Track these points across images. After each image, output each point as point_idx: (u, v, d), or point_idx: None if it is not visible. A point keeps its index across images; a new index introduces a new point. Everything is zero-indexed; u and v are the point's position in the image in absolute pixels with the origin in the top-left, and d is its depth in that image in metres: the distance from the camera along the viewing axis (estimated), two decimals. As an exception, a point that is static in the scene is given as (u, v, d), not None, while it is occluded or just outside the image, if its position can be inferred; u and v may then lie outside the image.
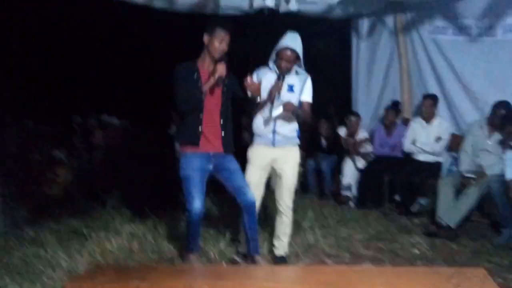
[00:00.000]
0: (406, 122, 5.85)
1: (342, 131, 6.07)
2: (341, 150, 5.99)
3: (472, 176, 4.66)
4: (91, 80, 9.27)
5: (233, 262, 3.81)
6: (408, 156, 5.58)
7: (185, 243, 3.64)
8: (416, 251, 4.19)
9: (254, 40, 7.96)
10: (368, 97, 6.41)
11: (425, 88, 5.87)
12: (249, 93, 3.46)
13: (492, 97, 5.01)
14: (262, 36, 6.88)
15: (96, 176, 6.88)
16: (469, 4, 5.43)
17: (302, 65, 3.73)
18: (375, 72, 6.35)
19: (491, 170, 4.63)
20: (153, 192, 5.43)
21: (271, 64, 3.71)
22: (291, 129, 3.72)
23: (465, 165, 4.84)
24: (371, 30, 6.36)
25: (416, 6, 5.86)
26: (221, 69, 3.33)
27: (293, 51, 3.59)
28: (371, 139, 5.95)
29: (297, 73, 3.71)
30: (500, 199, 4.40)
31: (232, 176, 3.53)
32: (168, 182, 5.66)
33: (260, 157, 3.72)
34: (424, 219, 5.01)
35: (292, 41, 3.62)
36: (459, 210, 4.51)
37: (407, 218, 5.10)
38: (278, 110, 3.53)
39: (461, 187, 4.69)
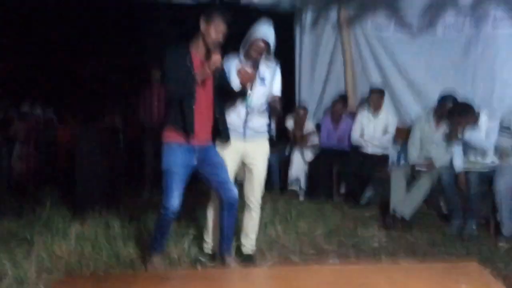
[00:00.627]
0: (352, 114, 5.92)
1: (289, 124, 6.02)
2: (288, 142, 5.95)
3: (422, 168, 4.80)
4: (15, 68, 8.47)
5: (199, 263, 3.61)
6: (355, 148, 5.65)
7: (150, 244, 3.41)
8: (376, 244, 4.23)
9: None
10: (311, 89, 6.42)
11: (368, 81, 5.98)
12: (237, 84, 3.28)
13: (434, 91, 5.20)
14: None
15: (22, 172, 6.31)
16: (410, 2, 5.61)
17: (272, 55, 3.59)
18: (318, 65, 6.37)
19: (440, 162, 4.79)
20: (96, 189, 5.03)
21: (241, 54, 3.53)
22: (262, 123, 3.59)
23: (414, 157, 4.99)
24: (314, 23, 6.37)
25: (359, 1, 5.95)
26: (218, 60, 3.11)
27: (266, 42, 3.45)
28: (317, 131, 5.96)
29: (266, 64, 3.58)
30: (450, 191, 4.57)
31: (216, 170, 3.34)
32: (114, 178, 5.33)
33: (231, 151, 3.54)
34: (373, 211, 5.11)
35: (266, 32, 3.46)
36: (412, 201, 4.61)
37: (357, 210, 5.17)
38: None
39: (411, 179, 4.83)
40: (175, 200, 3.17)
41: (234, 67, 3.46)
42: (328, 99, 6.27)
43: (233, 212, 3.38)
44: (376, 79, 5.90)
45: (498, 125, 4.55)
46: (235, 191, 3.36)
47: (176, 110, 3.18)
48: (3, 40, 8.31)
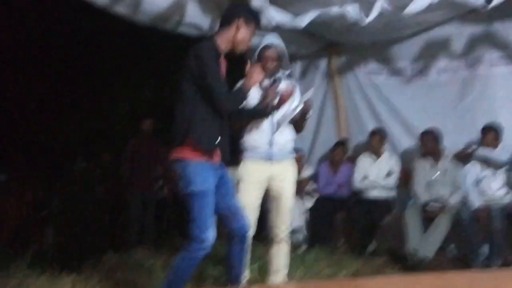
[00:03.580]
0: (349, 160, 5.68)
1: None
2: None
3: (436, 206, 4.54)
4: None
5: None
6: (358, 194, 5.34)
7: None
8: None
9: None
10: (301, 137, 6.13)
11: (363, 127, 5.82)
12: (251, 82, 2.85)
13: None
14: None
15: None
16: (403, 47, 5.62)
17: (288, 66, 3.35)
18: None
19: (453, 199, 4.58)
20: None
21: None
22: (289, 139, 3.26)
23: (423, 197, 4.74)
24: (304, 72, 6.28)
25: (350, 49, 5.93)
26: (259, 73, 2.81)
27: (275, 47, 3.21)
28: (314, 178, 5.65)
29: (285, 76, 3.32)
30: (470, 228, 4.31)
31: (229, 194, 2.84)
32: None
33: (255, 174, 3.16)
34: (382, 259, 4.71)
35: (272, 39, 3.26)
36: (434, 240, 4.33)
37: (367, 258, 4.76)
38: (293, 108, 3.06)
39: (425, 218, 4.55)
40: (211, 229, 2.64)
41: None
42: (320, 147, 6.06)
43: (246, 245, 2.88)
44: (371, 125, 5.74)
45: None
46: (247, 219, 2.89)
47: (203, 122, 2.69)
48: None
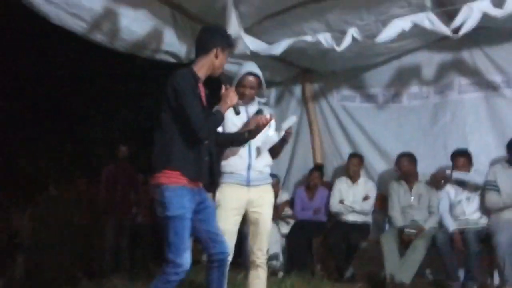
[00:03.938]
0: (325, 185, 5.72)
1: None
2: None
3: (412, 231, 4.59)
4: None
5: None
6: (334, 219, 5.37)
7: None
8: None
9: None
10: (276, 162, 6.15)
11: (338, 151, 5.91)
12: (226, 106, 2.85)
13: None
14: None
15: None
16: (375, 74, 5.75)
17: (265, 94, 3.40)
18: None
19: (428, 224, 4.65)
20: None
21: None
22: (266, 163, 3.28)
23: (399, 222, 4.81)
24: (279, 98, 6.36)
25: (324, 75, 6.03)
26: (234, 96, 2.83)
27: (256, 76, 3.26)
28: (291, 203, 5.67)
29: (261, 104, 3.37)
30: (446, 251, 4.36)
31: (210, 218, 2.84)
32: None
33: (233, 200, 3.16)
34: (361, 283, 4.72)
35: (252, 67, 3.31)
36: (411, 265, 4.35)
37: (345, 283, 4.77)
38: (273, 136, 3.09)
39: (402, 243, 4.59)
40: (188, 254, 2.63)
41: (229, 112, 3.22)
42: (296, 172, 6.12)
43: (225, 270, 2.88)
44: (346, 150, 5.82)
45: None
46: (227, 244, 2.89)
47: (182, 149, 2.69)
48: None
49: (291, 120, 3.29)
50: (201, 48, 2.86)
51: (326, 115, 6.08)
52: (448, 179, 4.69)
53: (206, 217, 2.81)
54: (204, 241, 2.82)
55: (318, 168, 5.75)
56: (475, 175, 4.62)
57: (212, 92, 2.95)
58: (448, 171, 4.68)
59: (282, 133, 3.20)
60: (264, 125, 3.04)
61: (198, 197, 2.77)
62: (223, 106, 2.81)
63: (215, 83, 2.95)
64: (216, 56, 2.80)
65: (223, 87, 2.87)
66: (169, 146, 2.68)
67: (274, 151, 3.31)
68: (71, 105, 8.69)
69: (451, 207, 4.65)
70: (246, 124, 3.16)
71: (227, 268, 2.92)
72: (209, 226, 2.82)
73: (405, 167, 4.92)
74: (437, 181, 4.82)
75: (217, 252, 2.81)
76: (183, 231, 2.62)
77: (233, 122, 3.21)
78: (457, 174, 4.60)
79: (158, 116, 2.74)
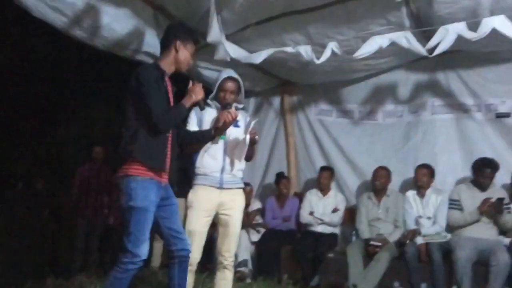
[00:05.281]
0: (297, 195, 5.80)
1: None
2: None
3: (377, 243, 4.69)
4: None
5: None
6: (303, 228, 5.45)
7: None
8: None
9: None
10: (252, 172, 6.25)
11: (312, 163, 6.01)
12: (190, 100, 2.89)
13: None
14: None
15: None
16: (352, 91, 5.89)
17: (243, 100, 3.47)
18: (260, 148, 6.28)
19: (392, 236, 4.77)
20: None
21: (210, 100, 3.37)
22: (239, 167, 3.33)
23: (366, 234, 4.92)
24: (258, 108, 6.45)
25: (303, 89, 6.15)
26: (200, 91, 2.89)
27: (235, 80, 3.35)
28: (262, 211, 5.74)
29: (238, 108, 3.43)
30: (412, 263, 4.47)
31: (173, 215, 2.90)
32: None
33: (205, 201, 3.21)
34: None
35: (231, 72, 3.41)
36: (374, 275, 4.45)
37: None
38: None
39: (367, 254, 4.70)
40: (146, 245, 2.70)
41: (209, 115, 3.29)
42: (270, 182, 6.16)
43: (185, 267, 2.95)
44: (320, 163, 5.91)
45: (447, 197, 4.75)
46: (189, 242, 2.96)
47: (148, 140, 2.75)
48: None
49: (252, 123, 3.31)
50: (163, 44, 2.96)
51: (303, 128, 6.18)
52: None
53: (169, 215, 2.88)
54: (166, 238, 2.90)
55: (283, 175, 5.83)
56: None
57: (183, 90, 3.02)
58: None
59: (248, 136, 3.24)
60: (230, 122, 3.09)
61: (164, 192, 2.83)
62: (188, 100, 2.87)
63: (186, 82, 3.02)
64: (177, 50, 2.88)
65: (190, 82, 2.94)
66: (134, 138, 2.73)
67: (247, 154, 3.36)
68: (46, 105, 8.62)
69: (416, 221, 4.80)
70: (215, 122, 3.21)
71: (188, 265, 2.97)
72: (171, 224, 2.89)
73: (381, 180, 5.04)
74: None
75: (178, 248, 2.89)
76: (144, 223, 2.68)
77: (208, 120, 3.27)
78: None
79: (124, 109, 2.81)
